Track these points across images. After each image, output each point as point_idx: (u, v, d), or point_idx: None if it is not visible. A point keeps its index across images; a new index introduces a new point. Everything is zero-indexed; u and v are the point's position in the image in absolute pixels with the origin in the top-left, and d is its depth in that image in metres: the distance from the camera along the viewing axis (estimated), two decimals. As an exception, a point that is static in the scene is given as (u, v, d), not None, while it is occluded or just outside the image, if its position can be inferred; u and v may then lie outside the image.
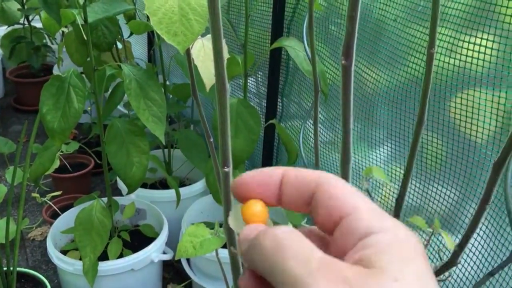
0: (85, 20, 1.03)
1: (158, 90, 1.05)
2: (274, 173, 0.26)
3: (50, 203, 1.55)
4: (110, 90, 1.31)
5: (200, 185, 1.48)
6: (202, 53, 0.78)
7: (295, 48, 1.07)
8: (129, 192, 1.11)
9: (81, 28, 1.05)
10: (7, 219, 1.24)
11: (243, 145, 1.06)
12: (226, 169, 0.55)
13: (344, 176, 0.44)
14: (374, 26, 1.10)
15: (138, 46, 2.54)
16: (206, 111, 1.86)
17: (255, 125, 1.07)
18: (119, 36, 1.79)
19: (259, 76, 1.60)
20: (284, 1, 1.35)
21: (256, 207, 0.25)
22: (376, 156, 1.17)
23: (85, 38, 1.04)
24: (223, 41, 0.49)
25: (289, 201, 0.25)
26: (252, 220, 0.25)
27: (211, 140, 0.83)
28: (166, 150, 1.55)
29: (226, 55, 0.76)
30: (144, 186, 1.53)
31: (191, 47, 0.72)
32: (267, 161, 1.55)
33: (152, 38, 2.42)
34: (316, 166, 0.90)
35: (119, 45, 1.94)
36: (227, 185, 0.56)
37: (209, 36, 0.76)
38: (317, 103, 0.87)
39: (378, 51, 1.10)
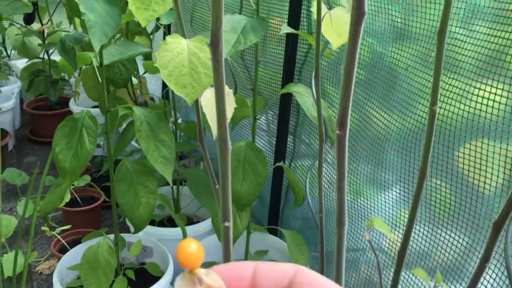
0: (101, 63, 1.06)
1: (168, 132, 1.07)
2: (246, 267, 0.25)
3: (59, 237, 1.56)
4: (123, 125, 1.33)
5: (207, 224, 1.48)
6: (211, 101, 0.80)
7: (303, 95, 1.08)
8: (136, 232, 1.12)
9: (96, 69, 1.08)
10: (15, 252, 1.25)
11: (249, 188, 1.07)
12: (226, 224, 0.56)
13: (340, 236, 0.44)
14: (386, 74, 1.11)
15: (154, 82, 2.59)
16: (214, 152, 1.87)
17: (262, 169, 1.08)
18: (135, 72, 1.83)
19: (270, 115, 1.61)
20: (296, 46, 1.38)
21: (191, 248, 0.24)
22: (384, 199, 1.17)
23: (100, 79, 1.07)
24: (230, 99, 0.50)
25: None
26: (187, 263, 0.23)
27: (217, 186, 0.84)
28: (175, 186, 1.56)
29: (229, 115, 0.78)
30: (152, 223, 1.54)
31: (200, 96, 0.74)
32: (276, 201, 1.55)
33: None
34: (320, 211, 0.90)
35: (135, 81, 1.98)
36: (227, 238, 0.57)
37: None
38: (322, 152, 0.88)
39: (390, 98, 1.11)
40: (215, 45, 0.46)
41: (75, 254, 1.32)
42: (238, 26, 0.96)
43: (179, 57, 0.68)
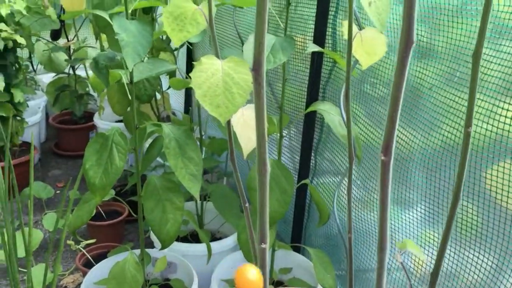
0: (131, 80, 1.08)
1: (195, 149, 1.08)
2: None
3: (84, 251, 1.58)
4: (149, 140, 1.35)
5: (231, 240, 1.49)
6: (241, 120, 0.81)
7: (330, 112, 1.09)
8: (163, 248, 1.13)
9: (126, 86, 1.10)
10: (45, 267, 1.27)
11: (276, 206, 1.07)
12: (263, 246, 0.57)
13: (380, 261, 0.44)
14: (410, 93, 1.11)
15: (176, 97, 2.62)
16: (241, 168, 1.88)
17: (288, 187, 1.09)
18: (158, 88, 1.85)
19: (292, 132, 1.62)
20: (321, 64, 1.39)
21: (251, 274, 0.23)
22: (408, 219, 1.16)
23: (130, 97, 1.09)
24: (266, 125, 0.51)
25: None
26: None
27: (247, 205, 0.85)
28: (198, 202, 1.57)
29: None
30: (176, 238, 1.55)
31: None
32: (299, 219, 1.55)
33: (190, 92, 2.50)
34: (348, 231, 0.90)
35: (157, 96, 2.00)
36: (264, 259, 0.57)
37: (248, 105, 0.79)
38: (351, 171, 0.88)
39: (414, 117, 1.11)
40: (257, 70, 0.47)
41: (101, 269, 1.34)
42: (266, 44, 0.97)
43: (214, 78, 0.69)
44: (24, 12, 1.86)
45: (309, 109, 1.14)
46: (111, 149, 1.03)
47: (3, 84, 1.80)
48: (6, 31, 1.75)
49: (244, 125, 0.80)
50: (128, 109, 2.01)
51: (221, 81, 0.69)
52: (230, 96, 0.69)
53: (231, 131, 0.78)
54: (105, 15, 1.04)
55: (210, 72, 0.70)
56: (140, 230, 1.22)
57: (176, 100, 2.61)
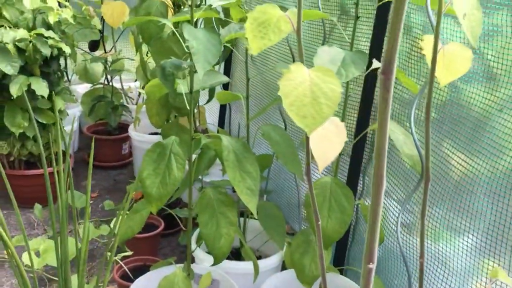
0: (191, 90, 1.06)
1: (253, 163, 1.05)
2: None
3: (121, 263, 1.54)
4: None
5: (274, 260, 1.44)
6: (320, 133, 0.78)
7: (395, 131, 1.05)
8: (215, 264, 1.09)
9: (185, 96, 1.08)
10: (79, 277, 1.24)
11: (335, 225, 1.03)
12: (371, 266, 0.52)
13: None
14: (477, 114, 1.07)
15: (209, 111, 2.60)
16: (277, 184, 1.84)
17: (348, 206, 1.05)
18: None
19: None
20: (374, 83, 1.35)
21: None
22: (464, 246, 1.11)
23: (188, 107, 1.07)
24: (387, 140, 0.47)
25: None
26: None
27: (319, 223, 0.81)
28: (241, 219, 1.54)
29: (339, 149, 0.75)
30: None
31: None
32: (343, 240, 1.50)
33: (225, 106, 2.48)
34: (421, 256, 0.85)
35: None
36: (369, 281, 0.53)
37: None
38: (426, 194, 0.84)
39: (480, 139, 1.07)
40: (387, 74, 0.44)
41: (143, 283, 1.30)
42: (336, 58, 0.94)
43: (302, 87, 0.66)
44: (71, 20, 1.87)
45: (372, 127, 1.11)
46: (169, 159, 1.00)
47: (47, 91, 1.80)
48: (53, 38, 1.75)
49: (322, 138, 0.77)
50: (169, 121, 1.99)
51: (308, 91, 0.66)
52: (318, 106, 0.66)
53: (309, 145, 0.75)
54: (168, 22, 1.03)
55: (298, 80, 0.67)
56: (188, 244, 1.18)
57: (210, 114, 2.60)
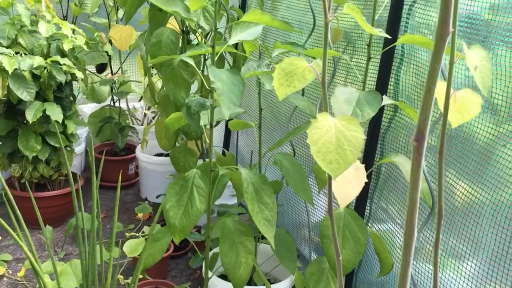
0: (211, 124, 1.11)
1: (270, 194, 1.10)
2: None
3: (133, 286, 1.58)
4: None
5: (285, 285, 1.48)
6: (341, 176, 0.83)
7: (405, 165, 1.11)
8: (234, 291, 1.14)
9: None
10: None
11: (349, 256, 1.08)
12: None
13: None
14: (481, 149, 1.13)
15: (215, 133, 2.66)
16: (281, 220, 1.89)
17: (362, 236, 1.10)
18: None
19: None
20: (381, 114, 1.41)
21: None
22: (464, 273, 1.16)
23: (208, 140, 1.12)
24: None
25: None
26: None
27: (340, 258, 0.86)
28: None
29: (356, 193, 0.79)
30: (225, 278, 1.55)
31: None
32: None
33: (230, 130, 2.54)
34: (434, 286, 0.90)
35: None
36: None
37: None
38: (440, 228, 0.89)
39: (484, 172, 1.13)
40: (420, 141, 0.49)
41: (159, 307, 1.34)
42: (351, 98, 1.00)
43: (328, 135, 0.72)
44: (85, 47, 1.93)
45: (383, 160, 1.16)
46: (191, 191, 1.05)
47: (62, 116, 1.85)
48: (68, 65, 1.81)
49: (343, 180, 0.82)
50: (177, 144, 2.04)
51: (334, 138, 0.72)
52: (342, 153, 0.72)
53: (331, 186, 0.80)
54: (190, 61, 1.08)
55: (325, 129, 0.72)
56: (206, 270, 1.23)
57: (216, 136, 2.65)
